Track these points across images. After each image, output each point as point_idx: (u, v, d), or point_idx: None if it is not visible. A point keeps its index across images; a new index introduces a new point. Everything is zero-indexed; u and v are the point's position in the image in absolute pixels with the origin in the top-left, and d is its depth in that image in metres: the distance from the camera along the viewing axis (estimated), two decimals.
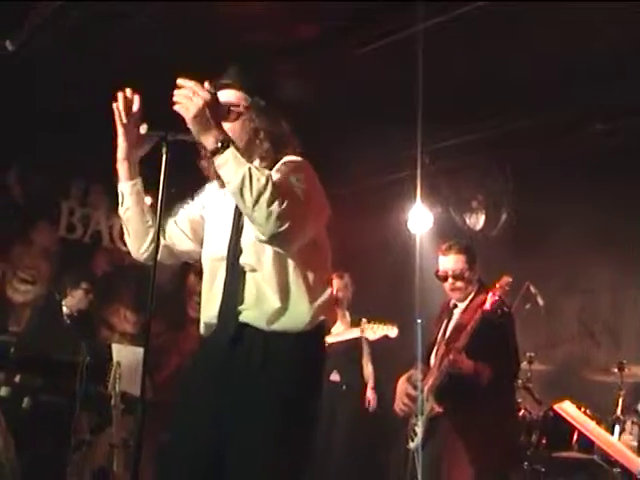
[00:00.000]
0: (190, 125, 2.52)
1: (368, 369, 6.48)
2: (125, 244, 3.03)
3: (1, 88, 5.63)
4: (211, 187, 2.96)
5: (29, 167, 6.83)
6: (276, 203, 2.47)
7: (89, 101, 5.57)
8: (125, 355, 5.25)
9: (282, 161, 2.74)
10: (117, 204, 2.94)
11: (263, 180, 2.48)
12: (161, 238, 2.87)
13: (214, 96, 2.57)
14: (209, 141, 2.53)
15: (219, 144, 2.52)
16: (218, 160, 2.52)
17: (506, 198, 6.36)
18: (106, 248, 7.28)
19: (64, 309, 5.87)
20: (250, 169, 2.50)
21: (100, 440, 5.28)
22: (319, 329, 2.74)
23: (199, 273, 2.94)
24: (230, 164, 2.51)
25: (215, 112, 2.53)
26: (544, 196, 6.13)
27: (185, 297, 7.44)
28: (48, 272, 6.68)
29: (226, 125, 2.68)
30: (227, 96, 2.80)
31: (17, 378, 5.36)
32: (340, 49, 4.99)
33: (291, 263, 2.71)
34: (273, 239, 2.55)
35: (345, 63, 5.12)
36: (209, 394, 2.70)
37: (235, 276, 2.72)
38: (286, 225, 2.50)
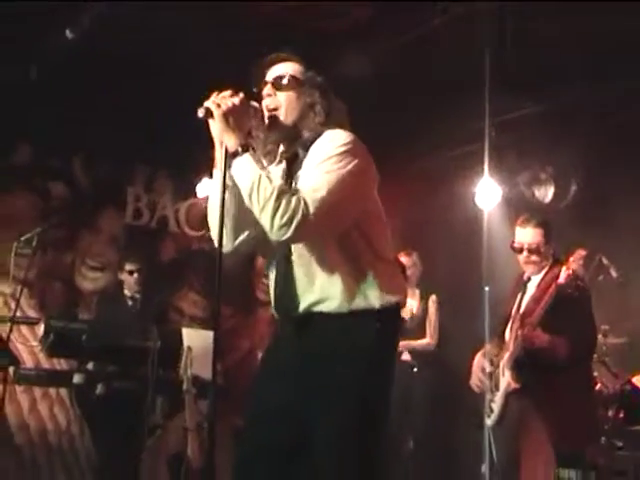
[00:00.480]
0: (218, 122, 2.65)
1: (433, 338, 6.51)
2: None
3: (65, 77, 5.67)
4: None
5: (94, 155, 6.88)
6: (279, 214, 2.55)
7: (151, 86, 5.59)
8: (196, 339, 5.25)
9: (327, 135, 2.74)
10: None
11: (269, 190, 2.57)
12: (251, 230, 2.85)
13: (246, 104, 2.70)
14: (231, 142, 2.65)
15: (239, 148, 2.63)
16: (235, 163, 2.63)
17: (575, 170, 6.34)
18: (173, 233, 7.31)
19: (125, 292, 5.91)
20: (260, 177, 2.59)
21: (174, 425, 5.33)
22: (392, 309, 2.72)
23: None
24: (245, 169, 2.61)
25: (243, 117, 2.68)
26: (614, 169, 6.09)
27: (253, 279, 7.42)
28: (116, 259, 6.59)
29: (281, 95, 2.79)
30: (284, 68, 2.85)
31: (90, 365, 5.40)
32: (404, 20, 5.02)
33: (351, 242, 2.70)
34: (281, 241, 2.63)
35: (410, 34, 5.14)
36: (283, 382, 2.72)
37: (289, 261, 2.74)
38: (289, 233, 2.56)
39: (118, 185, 7.06)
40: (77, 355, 5.23)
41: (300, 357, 2.68)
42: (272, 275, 2.84)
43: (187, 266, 7.21)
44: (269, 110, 2.79)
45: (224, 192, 2.62)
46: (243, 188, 2.62)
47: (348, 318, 2.66)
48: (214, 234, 2.72)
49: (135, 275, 5.71)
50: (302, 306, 2.72)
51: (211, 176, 2.79)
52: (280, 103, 2.80)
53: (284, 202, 2.56)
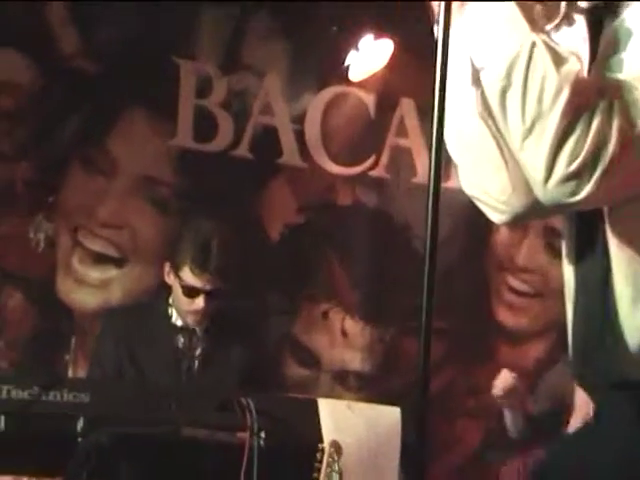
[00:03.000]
0: None
1: None
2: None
3: None
4: None
5: None
6: (570, 146, 1.53)
7: None
8: (351, 424, 3.73)
9: None
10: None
11: (553, 83, 1.53)
12: None
13: None
14: None
15: None
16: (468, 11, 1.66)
17: None
18: (292, 170, 5.35)
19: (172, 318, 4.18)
20: (533, 48, 1.56)
21: None
22: None
23: None
24: (494, 29, 1.63)
25: None
26: None
27: (492, 280, 5.45)
28: (155, 237, 4.91)
29: None
30: None
31: None
32: None
33: None
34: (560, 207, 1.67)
35: None
36: None
37: (606, 266, 1.72)
38: (583, 193, 1.55)
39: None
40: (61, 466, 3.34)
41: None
42: (570, 295, 1.84)
43: (326, 250, 5.17)
44: None
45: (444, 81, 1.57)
46: (489, 74, 1.60)
47: None
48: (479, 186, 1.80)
49: (202, 299, 3.66)
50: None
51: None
52: None
53: (585, 120, 1.54)
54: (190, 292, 3.57)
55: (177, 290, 3.60)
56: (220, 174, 4.91)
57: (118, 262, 4.77)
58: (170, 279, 3.62)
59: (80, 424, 3.29)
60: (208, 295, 3.56)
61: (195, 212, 4.56)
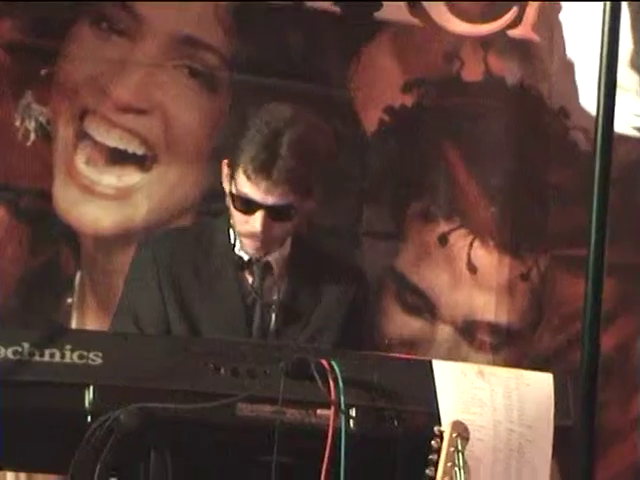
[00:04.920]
0: None
1: None
2: None
3: None
4: None
5: None
6: None
7: None
8: (489, 395, 3.81)
9: None
10: None
11: None
12: None
13: None
14: None
15: None
16: None
17: None
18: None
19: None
20: None
21: None
22: None
23: None
24: None
25: None
26: None
27: None
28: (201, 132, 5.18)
29: None
30: None
31: None
32: None
33: None
34: None
35: None
36: None
37: None
38: None
39: None
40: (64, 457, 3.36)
41: None
42: None
43: (445, 145, 5.37)
44: None
45: None
46: None
47: None
48: None
49: (260, 216, 3.78)
50: None
51: None
52: None
53: None
54: (244, 206, 3.53)
55: (230, 203, 3.58)
56: (292, 35, 4.95)
57: (143, 162, 4.89)
58: (228, 186, 3.60)
59: (89, 397, 3.24)
60: (269, 212, 3.52)
61: (255, 90, 4.58)
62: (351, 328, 3.80)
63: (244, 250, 3.64)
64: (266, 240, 3.58)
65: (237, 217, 3.60)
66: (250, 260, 3.67)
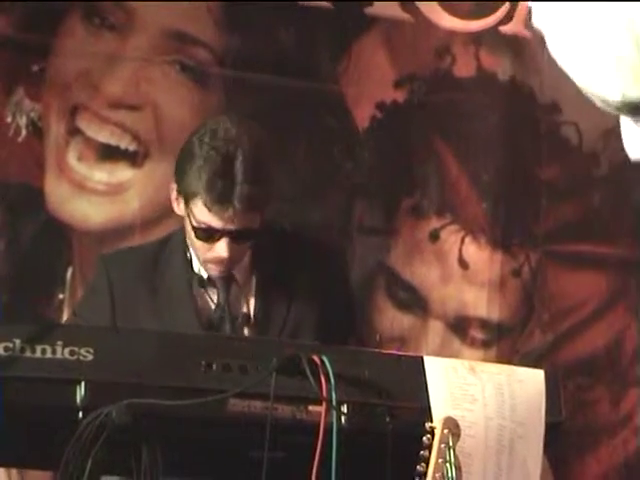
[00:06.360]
0: None
1: None
2: None
3: None
4: None
5: None
6: None
7: None
8: (478, 390, 4.02)
9: None
10: None
11: None
12: None
13: None
14: None
15: None
16: None
17: None
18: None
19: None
20: None
21: None
22: None
23: None
24: None
25: None
26: None
27: None
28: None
29: None
30: None
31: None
32: None
33: None
34: None
35: None
36: None
37: None
38: None
39: None
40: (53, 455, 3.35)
41: None
42: None
43: (437, 140, 5.38)
44: None
45: None
46: None
47: None
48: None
49: (225, 243, 3.74)
50: None
51: None
52: None
53: None
54: (206, 234, 3.45)
55: (189, 229, 3.49)
56: (283, 30, 4.93)
57: (135, 158, 4.82)
58: (180, 209, 3.48)
59: (80, 393, 3.20)
60: (232, 237, 3.44)
61: (246, 85, 4.58)
62: (332, 319, 3.73)
63: (206, 270, 3.59)
64: (232, 261, 3.54)
65: (198, 244, 3.50)
66: (210, 277, 3.62)
